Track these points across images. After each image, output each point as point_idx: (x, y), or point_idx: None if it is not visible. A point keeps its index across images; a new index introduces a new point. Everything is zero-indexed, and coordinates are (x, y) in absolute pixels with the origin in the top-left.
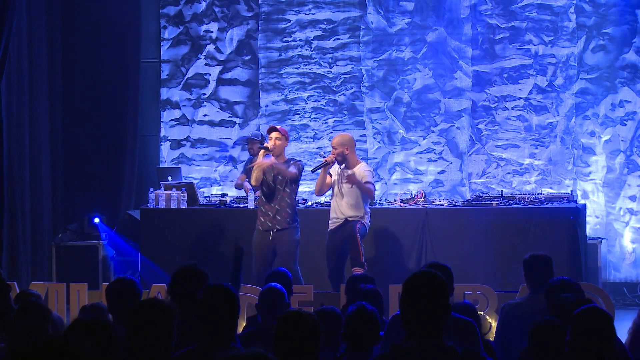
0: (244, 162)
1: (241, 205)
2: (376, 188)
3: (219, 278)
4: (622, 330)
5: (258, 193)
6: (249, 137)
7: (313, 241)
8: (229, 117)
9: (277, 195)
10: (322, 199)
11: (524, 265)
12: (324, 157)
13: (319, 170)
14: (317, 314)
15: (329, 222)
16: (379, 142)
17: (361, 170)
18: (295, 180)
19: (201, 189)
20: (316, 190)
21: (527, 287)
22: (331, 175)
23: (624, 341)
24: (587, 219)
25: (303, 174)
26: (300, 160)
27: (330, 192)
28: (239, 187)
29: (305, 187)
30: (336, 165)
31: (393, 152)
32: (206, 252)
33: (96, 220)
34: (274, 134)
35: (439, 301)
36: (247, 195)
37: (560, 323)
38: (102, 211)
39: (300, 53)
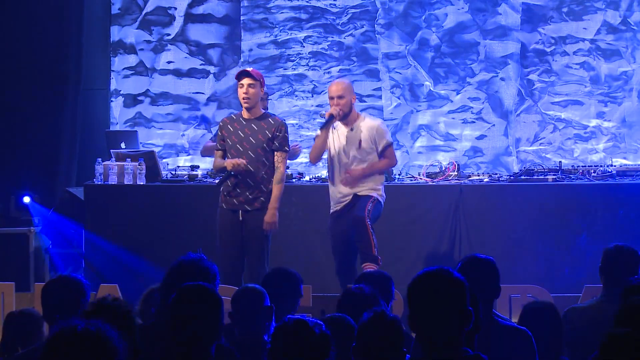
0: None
1: (216, 181)
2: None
3: None
4: None
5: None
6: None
7: (311, 228)
8: (201, 64)
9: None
10: (325, 173)
11: (604, 257)
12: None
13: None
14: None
15: (331, 201)
16: (399, 98)
17: (373, 126)
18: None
19: (164, 160)
20: (313, 156)
21: (603, 287)
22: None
23: None
24: None
25: (300, 138)
26: (283, 120)
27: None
28: (207, 153)
29: (302, 158)
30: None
31: (417, 111)
32: (171, 241)
33: (26, 199)
34: (245, 80)
35: (454, 308)
36: None
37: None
38: (34, 189)
39: None
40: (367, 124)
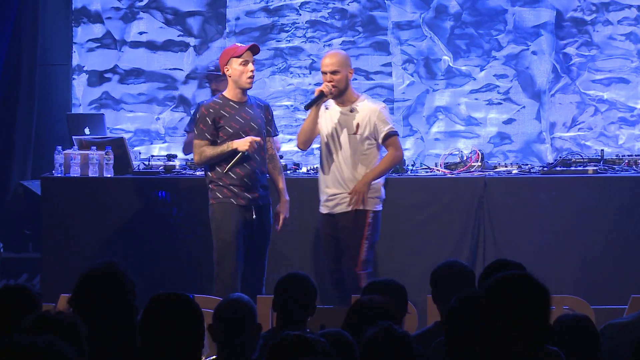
0: (194, 110)
1: (197, 173)
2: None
3: (164, 284)
4: None
5: None
6: (211, 71)
7: (308, 228)
8: (179, 36)
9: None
10: None
11: None
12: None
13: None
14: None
15: (321, 197)
16: (412, 75)
17: (374, 110)
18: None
19: (136, 148)
20: (301, 140)
21: None
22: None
23: None
24: None
25: (296, 122)
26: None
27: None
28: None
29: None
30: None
31: (434, 91)
32: (143, 243)
33: None
34: (251, 57)
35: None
36: None
37: None
38: None
39: None
40: (366, 106)
